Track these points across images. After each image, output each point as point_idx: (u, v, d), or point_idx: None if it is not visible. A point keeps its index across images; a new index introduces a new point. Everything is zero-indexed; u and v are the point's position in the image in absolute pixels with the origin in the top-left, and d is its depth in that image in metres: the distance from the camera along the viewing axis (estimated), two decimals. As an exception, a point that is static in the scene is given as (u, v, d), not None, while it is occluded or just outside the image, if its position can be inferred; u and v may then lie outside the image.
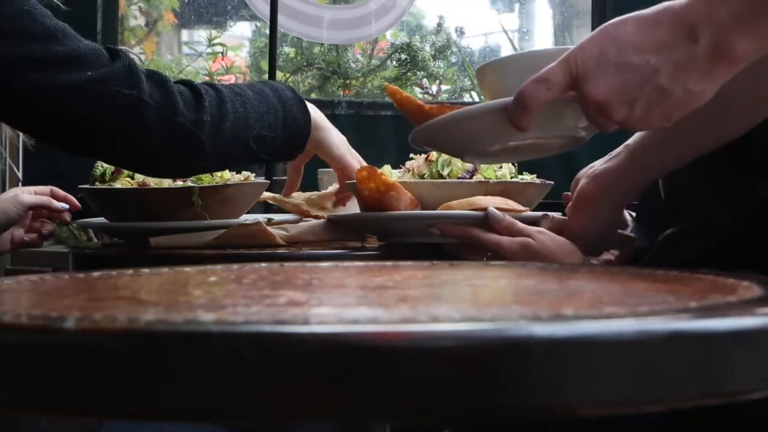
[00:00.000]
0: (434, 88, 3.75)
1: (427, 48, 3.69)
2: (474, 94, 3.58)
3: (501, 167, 1.39)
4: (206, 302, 0.64)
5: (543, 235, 1.22)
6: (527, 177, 1.43)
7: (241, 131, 1.27)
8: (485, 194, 1.30)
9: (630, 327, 0.48)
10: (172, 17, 3.89)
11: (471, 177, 1.35)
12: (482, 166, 1.37)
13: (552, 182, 1.47)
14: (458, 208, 1.28)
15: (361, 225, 1.38)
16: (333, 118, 2.86)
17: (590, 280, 0.75)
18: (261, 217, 1.44)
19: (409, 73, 3.61)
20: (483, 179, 1.34)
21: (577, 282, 0.73)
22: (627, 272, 0.78)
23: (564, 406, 0.47)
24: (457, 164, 1.36)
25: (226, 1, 3.74)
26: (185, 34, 4.39)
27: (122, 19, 3.39)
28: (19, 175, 2.64)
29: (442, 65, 3.67)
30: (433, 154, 1.38)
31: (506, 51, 3.93)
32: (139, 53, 3.78)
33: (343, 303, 0.60)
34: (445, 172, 1.36)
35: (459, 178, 1.35)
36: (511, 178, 1.39)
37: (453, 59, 3.72)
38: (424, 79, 3.68)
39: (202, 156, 1.23)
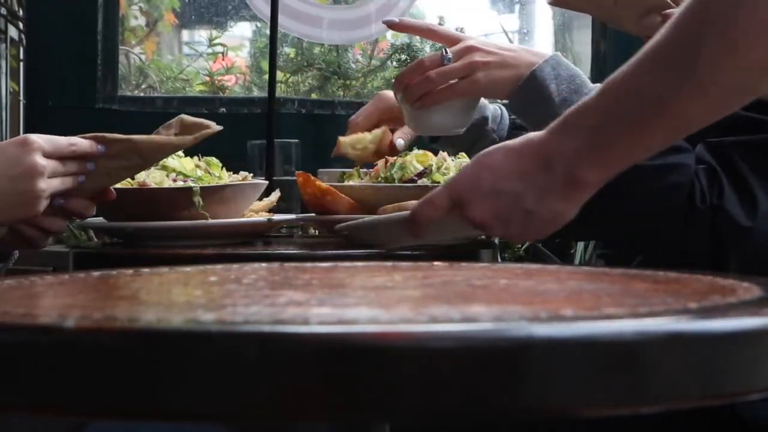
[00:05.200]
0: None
1: (428, 49, 3.67)
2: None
3: (450, 171, 1.37)
4: (206, 302, 0.64)
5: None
6: None
7: None
8: None
9: (629, 328, 0.48)
10: (172, 17, 3.88)
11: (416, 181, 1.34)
12: (433, 169, 1.36)
13: None
14: (392, 211, 1.26)
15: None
16: (333, 118, 2.86)
17: (590, 280, 0.75)
18: (262, 219, 1.44)
19: (409, 74, 3.60)
20: (430, 183, 1.33)
21: (577, 282, 0.73)
22: (627, 273, 0.78)
23: (563, 406, 0.47)
24: (409, 169, 1.36)
25: (227, 2, 3.74)
26: (186, 35, 4.38)
27: (123, 19, 3.38)
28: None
29: (442, 66, 3.66)
30: (391, 158, 1.39)
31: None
32: (139, 53, 3.78)
33: (343, 303, 0.60)
34: (396, 176, 1.36)
35: (406, 181, 1.35)
36: None
37: (453, 60, 3.71)
38: (425, 80, 3.66)
39: None
